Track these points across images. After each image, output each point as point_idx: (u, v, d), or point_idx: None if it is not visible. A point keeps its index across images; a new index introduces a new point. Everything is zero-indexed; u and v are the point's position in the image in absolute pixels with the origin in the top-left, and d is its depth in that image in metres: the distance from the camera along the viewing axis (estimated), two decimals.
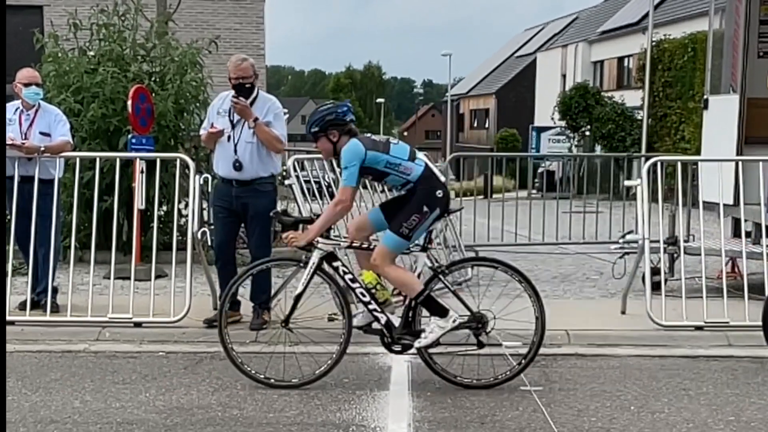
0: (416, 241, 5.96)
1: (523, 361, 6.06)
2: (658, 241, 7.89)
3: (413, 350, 5.96)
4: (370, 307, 5.96)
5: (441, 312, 5.91)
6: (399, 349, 5.98)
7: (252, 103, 7.33)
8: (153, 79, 10.75)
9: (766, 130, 9.23)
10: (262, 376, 5.99)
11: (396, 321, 5.95)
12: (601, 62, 43.14)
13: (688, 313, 7.30)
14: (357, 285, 6.00)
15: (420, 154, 6.10)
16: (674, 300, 7.52)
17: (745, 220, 8.40)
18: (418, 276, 5.98)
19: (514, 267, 6.24)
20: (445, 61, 62.69)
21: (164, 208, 10.15)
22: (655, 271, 7.89)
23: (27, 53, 10.82)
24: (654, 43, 25.63)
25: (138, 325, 7.28)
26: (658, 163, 8.35)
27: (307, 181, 8.05)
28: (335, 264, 6.05)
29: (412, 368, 6.44)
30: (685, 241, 8.35)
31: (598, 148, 30.37)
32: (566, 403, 5.65)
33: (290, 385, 5.93)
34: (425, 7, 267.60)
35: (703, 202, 8.13)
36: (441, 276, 6.00)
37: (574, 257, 11.64)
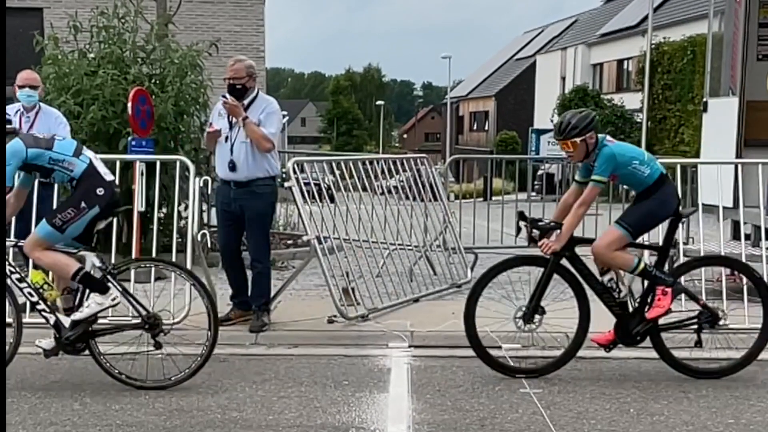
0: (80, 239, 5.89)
1: (198, 360, 6.01)
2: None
3: (75, 333, 5.86)
4: (39, 307, 5.92)
5: (101, 289, 5.88)
6: (81, 346, 5.92)
7: (250, 104, 7.35)
8: (153, 81, 10.75)
9: (765, 133, 9.24)
10: None
11: (67, 321, 5.89)
12: (601, 65, 43.19)
13: None
14: (24, 285, 5.97)
15: (87, 152, 6.03)
16: (674, 303, 7.50)
17: (745, 223, 8.41)
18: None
19: (183, 267, 6.43)
20: (445, 64, 62.90)
21: (164, 210, 10.15)
22: None
23: (27, 55, 10.82)
24: (653, 46, 25.71)
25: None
26: None
27: (307, 184, 8.05)
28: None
29: (412, 370, 6.45)
30: (685, 244, 8.36)
31: None
32: (566, 406, 5.65)
33: None
34: (425, 9, 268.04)
35: (703, 205, 8.14)
36: (110, 277, 5.92)
37: None
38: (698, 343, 6.34)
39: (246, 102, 7.34)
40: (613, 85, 40.99)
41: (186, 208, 8.70)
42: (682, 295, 6.47)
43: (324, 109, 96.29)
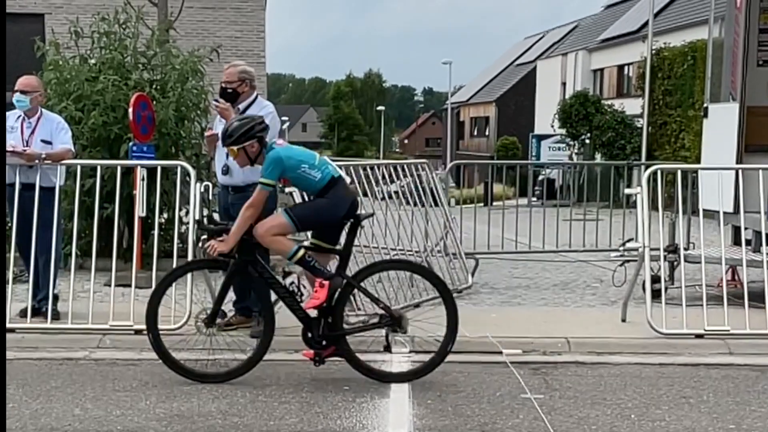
0: None
1: None
2: (658, 249, 7.90)
3: None
4: None
5: None
6: None
7: (247, 108, 7.39)
8: (154, 86, 10.77)
9: (766, 138, 9.25)
10: None
11: None
12: (601, 70, 43.16)
13: (689, 321, 7.30)
14: None
15: None
16: (674, 308, 7.52)
17: (745, 228, 8.41)
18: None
19: None
20: (446, 69, 62.67)
21: (165, 215, 10.16)
22: (655, 279, 7.89)
23: (29, 61, 10.83)
24: (654, 52, 25.66)
25: (139, 332, 7.27)
26: (658, 172, 8.36)
27: None
28: None
29: None
30: (685, 249, 8.36)
31: (598, 156, 30.40)
32: (567, 411, 5.65)
33: None
34: (425, 14, 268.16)
35: (703, 210, 8.14)
36: None
37: (574, 265, 11.65)
38: (387, 348, 6.32)
39: (242, 106, 7.38)
40: (613, 90, 40.96)
41: (187, 213, 8.70)
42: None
43: (325, 114, 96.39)
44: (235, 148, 6.22)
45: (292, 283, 6.35)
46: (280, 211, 6.42)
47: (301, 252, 6.20)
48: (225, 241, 6.16)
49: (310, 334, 6.26)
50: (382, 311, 6.37)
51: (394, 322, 6.30)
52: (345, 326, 6.39)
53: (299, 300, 6.30)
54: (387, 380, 6.23)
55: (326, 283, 6.18)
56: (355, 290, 6.47)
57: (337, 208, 6.24)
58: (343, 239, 6.40)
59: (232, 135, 6.22)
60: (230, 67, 7.45)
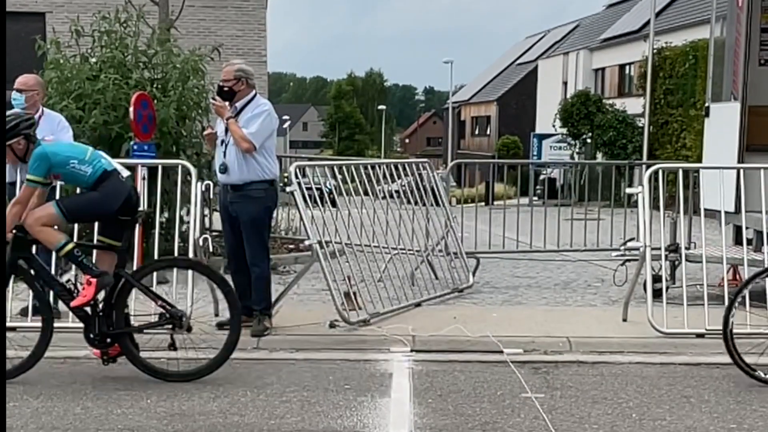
0: None
1: None
2: (660, 249, 7.89)
3: None
4: None
5: None
6: None
7: (245, 107, 7.40)
8: (155, 85, 10.76)
9: (767, 138, 9.24)
10: None
11: None
12: (603, 70, 43.17)
13: (690, 321, 7.30)
14: None
15: None
16: (675, 307, 7.52)
17: (746, 228, 8.41)
18: None
19: None
20: (447, 68, 62.58)
21: (166, 214, 10.15)
22: (656, 279, 7.89)
23: (29, 60, 10.83)
24: (655, 51, 25.70)
25: (139, 330, 7.27)
26: (660, 171, 8.35)
27: (309, 188, 8.05)
28: None
29: (414, 375, 6.44)
30: (687, 249, 8.36)
31: (599, 155, 30.42)
32: (568, 411, 5.65)
33: None
34: (427, 14, 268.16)
35: (705, 210, 8.14)
36: None
37: (575, 264, 11.64)
38: (172, 346, 6.25)
39: (239, 105, 7.40)
40: (615, 89, 40.97)
41: (188, 212, 8.70)
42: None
43: (326, 113, 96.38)
44: None
45: (68, 281, 6.34)
46: (52, 201, 6.30)
47: (69, 246, 6.14)
48: None
49: (90, 333, 6.22)
50: (161, 310, 6.32)
51: (173, 320, 6.27)
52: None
53: (75, 297, 6.22)
54: (171, 379, 6.16)
55: (93, 280, 6.11)
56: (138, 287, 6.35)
57: (109, 201, 6.15)
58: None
59: None
60: (227, 65, 7.49)
